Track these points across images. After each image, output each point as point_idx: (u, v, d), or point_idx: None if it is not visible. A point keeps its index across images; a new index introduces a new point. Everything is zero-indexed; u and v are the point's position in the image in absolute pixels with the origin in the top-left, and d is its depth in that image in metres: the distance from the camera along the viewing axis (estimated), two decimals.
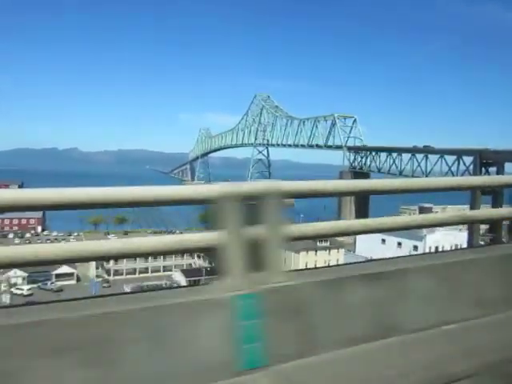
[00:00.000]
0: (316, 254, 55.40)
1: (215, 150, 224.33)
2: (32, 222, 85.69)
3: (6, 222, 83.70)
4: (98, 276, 54.23)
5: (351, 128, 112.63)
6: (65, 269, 52.28)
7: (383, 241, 58.31)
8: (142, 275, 56.20)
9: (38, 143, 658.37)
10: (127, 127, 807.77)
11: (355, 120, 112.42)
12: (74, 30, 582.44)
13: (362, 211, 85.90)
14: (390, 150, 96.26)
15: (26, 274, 49.94)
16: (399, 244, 59.42)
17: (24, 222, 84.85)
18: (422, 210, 56.44)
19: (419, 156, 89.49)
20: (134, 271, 57.17)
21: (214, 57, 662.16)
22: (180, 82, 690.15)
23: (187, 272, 50.32)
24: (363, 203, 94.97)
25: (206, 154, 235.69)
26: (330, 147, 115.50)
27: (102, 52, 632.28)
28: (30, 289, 47.10)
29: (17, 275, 49.60)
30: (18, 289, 46.83)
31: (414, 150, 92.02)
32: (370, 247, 56.54)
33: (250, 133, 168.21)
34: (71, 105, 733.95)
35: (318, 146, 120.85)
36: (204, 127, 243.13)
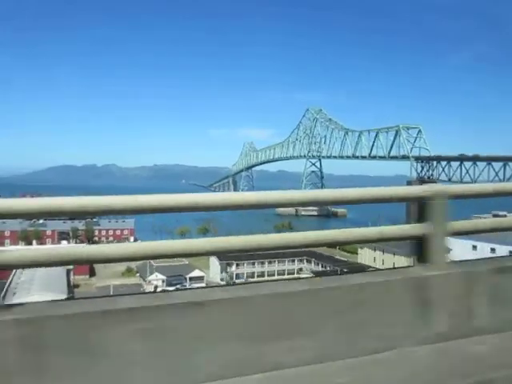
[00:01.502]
0: None
1: (261, 163, 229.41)
2: (125, 232, 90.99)
3: (103, 232, 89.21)
4: (221, 279, 58.27)
5: (415, 138, 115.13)
6: (196, 272, 56.69)
7: (474, 247, 59.99)
8: (259, 279, 59.94)
9: (78, 160, 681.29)
10: (162, 143, 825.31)
11: (420, 130, 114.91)
12: (101, 45, 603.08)
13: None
14: (462, 159, 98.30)
15: (164, 277, 54.44)
16: (492, 250, 61.26)
17: (118, 232, 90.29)
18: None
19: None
20: (252, 275, 60.97)
21: (246, 70, 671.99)
22: (211, 97, 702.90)
23: (317, 274, 53.71)
24: None
25: (250, 168, 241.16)
26: (394, 158, 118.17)
27: (137, 68, 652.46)
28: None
29: (157, 278, 54.16)
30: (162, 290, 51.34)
31: (483, 159, 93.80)
32: (461, 254, 58.74)
33: (302, 145, 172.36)
34: (108, 121, 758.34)
35: (380, 158, 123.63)
36: (248, 141, 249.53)
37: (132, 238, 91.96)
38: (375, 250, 62.38)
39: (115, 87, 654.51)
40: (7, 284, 42.39)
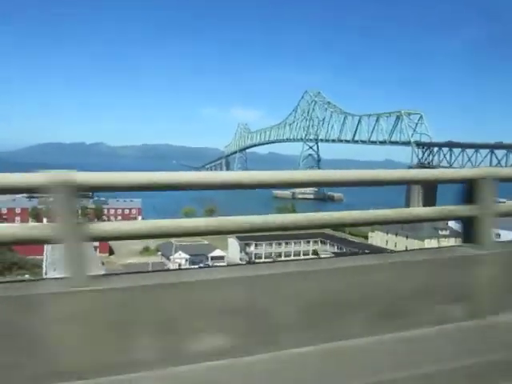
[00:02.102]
0: (438, 242, 60.41)
1: (256, 145, 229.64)
2: (133, 211, 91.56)
3: (112, 211, 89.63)
4: (241, 259, 59.82)
5: (416, 124, 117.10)
6: (217, 252, 58.10)
7: (498, 235, 62.83)
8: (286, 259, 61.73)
9: (66, 137, 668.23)
10: (151, 122, 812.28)
11: (421, 116, 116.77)
12: (95, 24, 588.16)
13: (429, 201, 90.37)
14: (463, 146, 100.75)
15: (188, 256, 55.75)
16: None
17: (127, 211, 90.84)
18: None
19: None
20: (269, 255, 62.65)
21: (239, 51, 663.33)
22: (202, 75, 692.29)
23: (338, 255, 55.68)
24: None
25: (244, 149, 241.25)
26: (394, 143, 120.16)
27: (128, 47, 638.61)
28: None
29: (181, 257, 55.44)
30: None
31: (494, 146, 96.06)
32: None
33: (300, 128, 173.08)
34: (97, 99, 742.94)
35: (380, 143, 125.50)
36: (242, 122, 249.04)
37: (140, 218, 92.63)
38: (387, 233, 64.49)
39: (104, 63, 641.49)
40: (45, 259, 43.12)
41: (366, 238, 71.75)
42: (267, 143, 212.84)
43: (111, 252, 63.39)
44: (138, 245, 67.57)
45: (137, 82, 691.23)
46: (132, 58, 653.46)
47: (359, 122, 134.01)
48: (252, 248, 61.57)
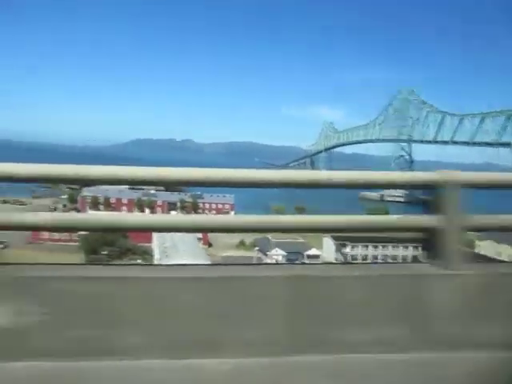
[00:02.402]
0: None
1: (342, 145, 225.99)
2: (226, 207, 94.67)
3: (206, 205, 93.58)
4: (336, 259, 59.24)
5: None
6: (313, 251, 58.26)
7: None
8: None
9: (158, 134, 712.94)
10: (237, 121, 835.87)
11: None
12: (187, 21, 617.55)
13: None
14: None
15: (284, 253, 56.53)
16: None
17: (220, 206, 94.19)
18: None
19: None
20: (365, 257, 61.37)
21: (323, 50, 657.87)
22: (288, 75, 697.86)
23: None
24: None
25: (329, 149, 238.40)
26: (505, 145, 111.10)
27: (212, 45, 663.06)
28: None
29: (278, 253, 56.37)
30: None
31: None
32: None
33: (391, 128, 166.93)
34: (186, 96, 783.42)
35: (488, 144, 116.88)
36: (327, 121, 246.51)
37: (232, 213, 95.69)
38: (499, 242, 59.77)
39: (192, 63, 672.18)
40: (156, 247, 46.40)
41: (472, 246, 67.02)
42: (354, 143, 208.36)
43: (210, 244, 66.19)
44: (234, 238, 69.72)
45: (224, 81, 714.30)
46: (222, 58, 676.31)
47: (460, 121, 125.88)
48: (348, 249, 60.64)
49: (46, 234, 59.47)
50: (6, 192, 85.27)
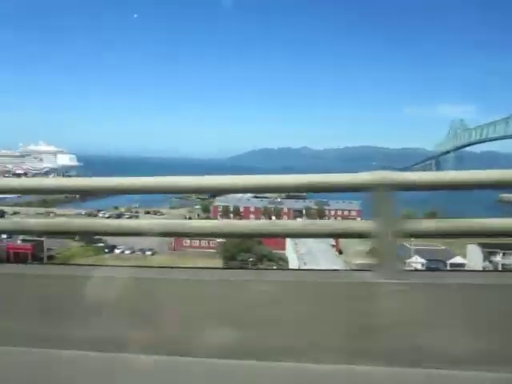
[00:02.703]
0: None
1: (474, 143, 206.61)
2: (353, 213, 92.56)
3: (332, 212, 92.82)
4: (484, 269, 53.84)
5: None
6: (457, 259, 53.95)
7: None
8: None
9: (275, 143, 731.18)
10: (353, 125, 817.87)
11: None
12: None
13: None
14: None
15: (424, 261, 53.26)
16: None
17: (346, 213, 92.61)
18: None
19: None
20: None
21: (444, 42, 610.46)
22: (403, 71, 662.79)
23: None
24: None
25: (459, 148, 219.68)
26: None
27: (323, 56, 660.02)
28: None
29: (417, 261, 53.37)
30: None
31: None
32: None
33: None
34: (301, 106, 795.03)
35: None
36: (457, 119, 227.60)
37: (359, 219, 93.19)
38: None
39: (301, 75, 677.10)
40: (291, 254, 47.13)
41: None
42: (489, 140, 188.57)
43: (340, 252, 65.24)
44: (364, 246, 67.63)
45: (340, 85, 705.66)
46: (338, 59, 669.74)
47: None
48: (498, 257, 54.49)
49: (187, 242, 64.21)
50: (150, 203, 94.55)
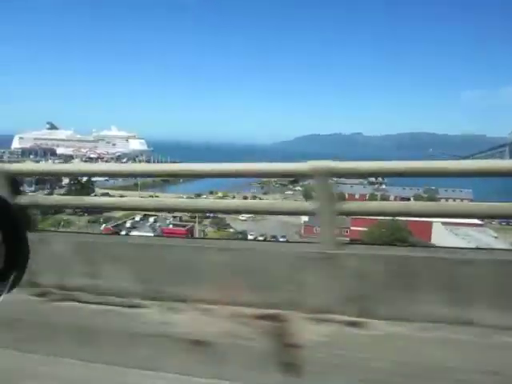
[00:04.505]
0: None
1: None
2: (465, 202, 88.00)
3: (443, 201, 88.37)
4: None
5: None
6: None
7: None
8: None
9: (327, 129, 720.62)
10: (409, 111, 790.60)
11: None
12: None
13: None
14: None
15: None
16: None
17: (458, 201, 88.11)
18: None
19: None
20: None
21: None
22: (465, 55, 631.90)
23: None
24: None
25: None
26: None
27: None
28: None
29: None
30: None
31: None
32: None
33: None
34: (357, 90, 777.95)
35: None
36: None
37: None
38: None
39: (353, 60, 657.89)
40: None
41: None
42: None
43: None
44: None
45: (394, 69, 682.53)
46: (389, 45, 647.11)
47: None
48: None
49: (317, 229, 61.96)
50: (231, 189, 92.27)
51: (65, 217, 53.68)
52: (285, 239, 61.40)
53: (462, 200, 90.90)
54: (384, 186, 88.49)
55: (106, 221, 59.69)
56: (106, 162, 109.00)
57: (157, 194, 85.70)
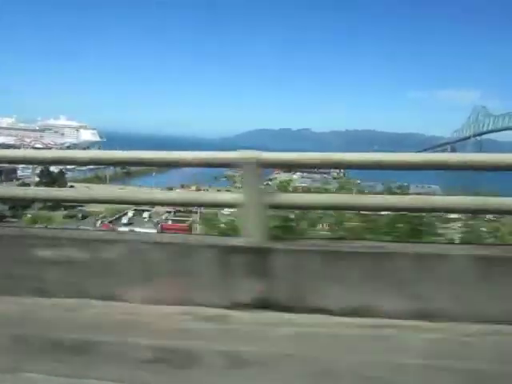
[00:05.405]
0: None
1: (498, 131, 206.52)
2: None
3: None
4: None
5: None
6: None
7: None
8: None
9: (275, 124, 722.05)
10: (355, 109, 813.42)
11: None
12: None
13: None
14: None
15: None
16: None
17: None
18: None
19: None
20: None
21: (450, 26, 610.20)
22: (409, 57, 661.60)
23: None
24: None
25: (480, 135, 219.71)
26: None
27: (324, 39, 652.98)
28: None
29: None
30: None
31: None
32: None
33: None
34: (302, 87, 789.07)
35: None
36: (479, 105, 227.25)
37: None
38: None
39: (304, 61, 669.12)
40: None
41: None
42: None
43: None
44: None
45: (342, 68, 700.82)
46: (340, 45, 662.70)
47: None
48: None
49: None
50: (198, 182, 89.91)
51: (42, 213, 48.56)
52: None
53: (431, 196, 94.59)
54: (358, 182, 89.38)
55: (84, 217, 54.88)
56: None
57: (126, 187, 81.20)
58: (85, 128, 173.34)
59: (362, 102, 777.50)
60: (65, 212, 54.16)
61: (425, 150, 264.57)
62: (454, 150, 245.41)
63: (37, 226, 41.20)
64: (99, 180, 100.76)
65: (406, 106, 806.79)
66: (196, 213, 55.95)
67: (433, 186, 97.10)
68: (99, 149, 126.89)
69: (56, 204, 45.89)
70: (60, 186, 61.87)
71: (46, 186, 55.78)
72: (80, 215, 55.33)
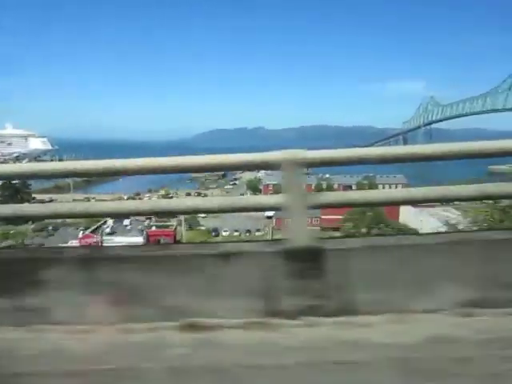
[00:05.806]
0: None
1: (446, 119, 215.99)
2: (399, 187, 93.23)
3: (380, 187, 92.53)
4: None
5: None
6: None
7: None
8: None
9: (230, 124, 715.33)
10: (307, 103, 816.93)
11: None
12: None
13: None
14: None
15: None
16: None
17: (393, 187, 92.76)
18: None
19: None
20: None
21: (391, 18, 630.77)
22: (357, 50, 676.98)
23: None
24: None
25: (429, 124, 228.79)
26: None
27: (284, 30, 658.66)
28: None
29: None
30: None
31: None
32: None
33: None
34: (254, 85, 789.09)
35: None
36: (428, 95, 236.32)
37: None
38: None
39: (255, 55, 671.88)
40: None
41: None
42: (463, 116, 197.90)
43: None
44: None
45: (291, 65, 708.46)
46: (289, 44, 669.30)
47: None
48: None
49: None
50: (166, 185, 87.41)
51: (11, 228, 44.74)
52: (261, 232, 59.07)
53: (396, 185, 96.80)
54: (328, 175, 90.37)
55: (55, 229, 51.23)
56: (2, 163, 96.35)
57: (93, 196, 77.18)
58: (33, 136, 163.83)
59: (314, 97, 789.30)
60: (32, 226, 50.15)
61: (377, 142, 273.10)
62: (405, 141, 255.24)
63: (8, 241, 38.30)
64: (59, 189, 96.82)
65: (358, 98, 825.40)
66: (174, 217, 54.10)
67: (397, 175, 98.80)
68: (51, 158, 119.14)
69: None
70: (23, 198, 57.69)
71: (8, 198, 51.87)
72: (50, 227, 51.60)
